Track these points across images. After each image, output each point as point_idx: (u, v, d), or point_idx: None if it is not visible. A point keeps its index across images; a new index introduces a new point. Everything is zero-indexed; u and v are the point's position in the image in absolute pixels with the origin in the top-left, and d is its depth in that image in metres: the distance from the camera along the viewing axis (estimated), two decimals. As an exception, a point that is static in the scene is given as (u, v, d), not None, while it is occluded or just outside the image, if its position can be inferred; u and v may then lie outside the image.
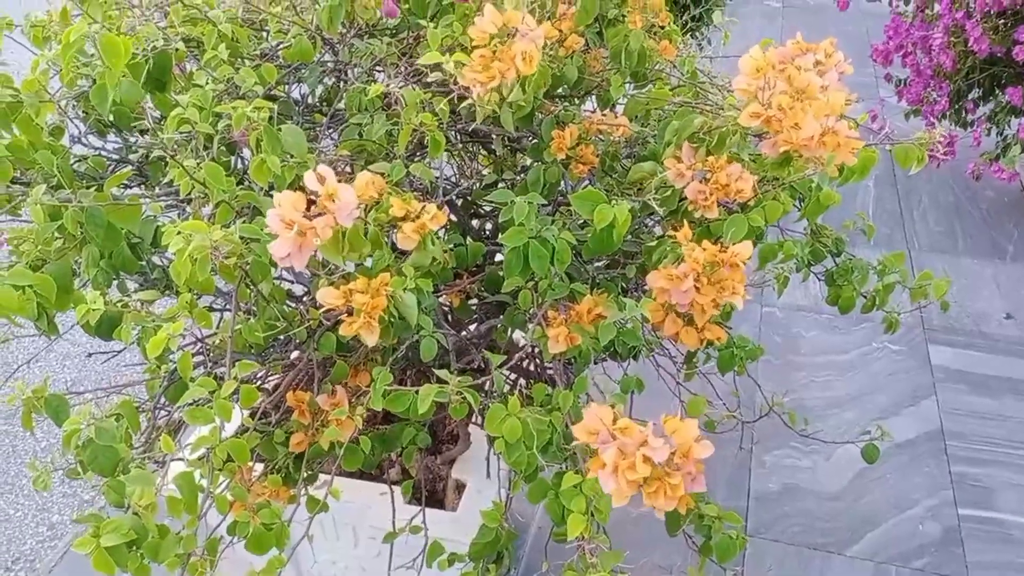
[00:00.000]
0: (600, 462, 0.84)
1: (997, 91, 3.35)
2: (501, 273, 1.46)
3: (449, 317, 1.36)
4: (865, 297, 1.61)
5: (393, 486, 1.48)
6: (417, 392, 0.96)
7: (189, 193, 1.02)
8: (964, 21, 3.05)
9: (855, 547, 2.17)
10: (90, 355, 1.42)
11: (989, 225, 3.50)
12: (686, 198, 1.17)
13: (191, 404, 0.93)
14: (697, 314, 1.04)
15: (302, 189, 1.20)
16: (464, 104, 1.03)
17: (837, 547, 2.17)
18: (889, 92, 3.75)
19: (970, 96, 3.44)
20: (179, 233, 0.91)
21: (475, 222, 1.67)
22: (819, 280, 1.60)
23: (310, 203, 0.85)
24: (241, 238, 0.94)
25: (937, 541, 2.19)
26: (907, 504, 2.29)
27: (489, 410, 0.95)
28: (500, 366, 1.03)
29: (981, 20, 2.98)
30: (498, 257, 1.51)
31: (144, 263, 1.29)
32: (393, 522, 1.28)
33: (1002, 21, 2.99)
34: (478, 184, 1.60)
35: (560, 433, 1.02)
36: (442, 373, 0.95)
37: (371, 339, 0.91)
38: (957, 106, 3.44)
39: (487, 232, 1.68)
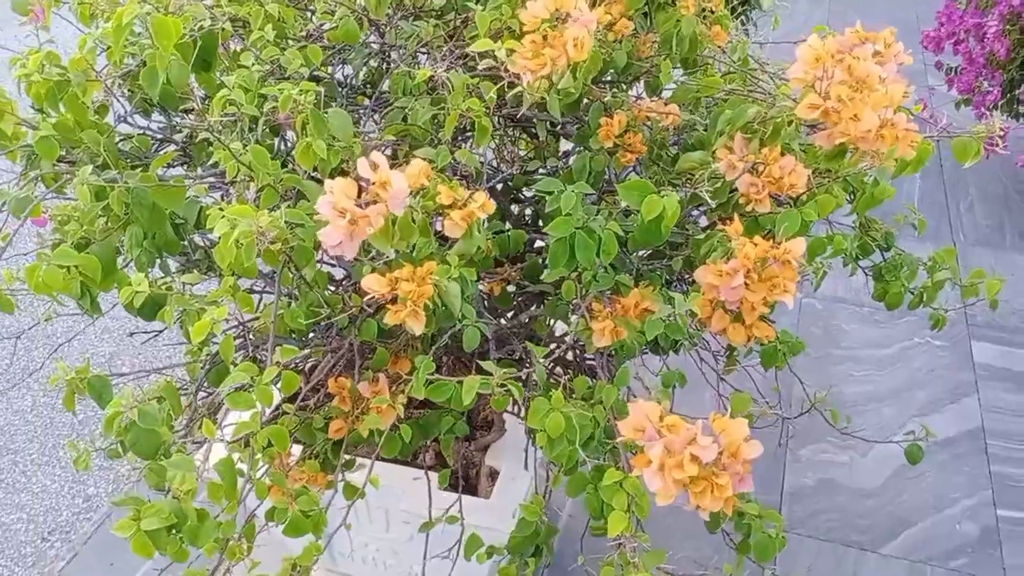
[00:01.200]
0: (646, 459, 0.83)
1: (1052, 82, 3.26)
2: (542, 262, 1.45)
3: (486, 304, 1.35)
4: (913, 293, 1.57)
5: (428, 471, 1.47)
6: (460, 383, 0.95)
7: (236, 176, 1.01)
8: (1021, 8, 2.96)
9: (890, 545, 2.14)
10: (131, 334, 1.43)
11: (1039, 220, 3.42)
12: (736, 190, 1.15)
13: (233, 389, 0.92)
14: (746, 311, 1.02)
15: (345, 173, 1.19)
16: (514, 91, 1.01)
17: (872, 545, 2.14)
18: (939, 80, 3.66)
19: (1022, 87, 3.35)
20: (224, 217, 0.90)
21: (514, 207, 1.65)
22: (866, 274, 1.56)
23: (359, 190, 0.84)
24: (286, 223, 0.93)
25: (975, 541, 2.15)
26: (945, 503, 2.25)
27: (532, 404, 0.94)
28: (543, 358, 1.02)
29: (1038, 8, 2.89)
30: (537, 243, 1.50)
31: (186, 244, 1.29)
32: (429, 511, 1.28)
33: (1061, 9, 2.90)
34: (519, 170, 1.58)
35: (602, 428, 1.00)
36: (487, 365, 0.94)
37: (417, 327, 0.90)
38: (1009, 96, 3.35)
39: (526, 218, 1.66)
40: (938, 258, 1.53)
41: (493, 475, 1.68)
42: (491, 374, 0.94)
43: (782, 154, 1.10)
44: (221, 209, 0.97)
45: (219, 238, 0.93)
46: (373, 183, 0.82)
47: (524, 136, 1.70)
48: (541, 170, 1.45)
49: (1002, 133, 1.31)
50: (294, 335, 1.09)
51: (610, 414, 1.01)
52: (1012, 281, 3.12)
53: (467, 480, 1.67)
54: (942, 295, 1.55)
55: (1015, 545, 2.13)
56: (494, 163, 1.64)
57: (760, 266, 0.99)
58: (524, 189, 1.62)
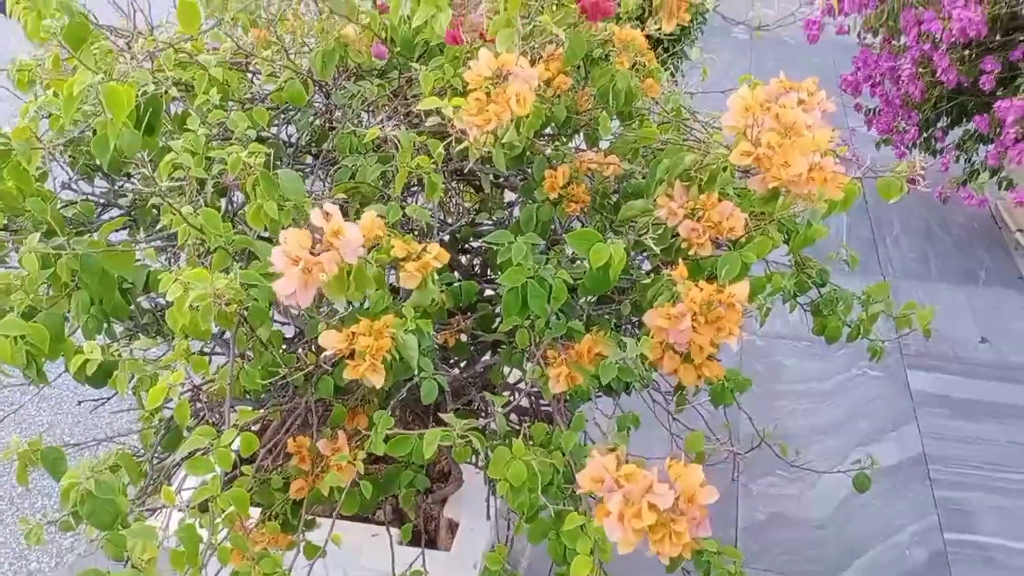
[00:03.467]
0: (605, 510, 0.84)
1: (965, 119, 3.43)
2: (494, 311, 1.48)
3: (440, 355, 1.36)
4: (850, 327, 1.63)
5: (388, 527, 1.46)
6: (420, 436, 0.95)
7: (187, 239, 1.01)
8: (931, 52, 3.13)
9: (843, 575, 2.18)
10: (80, 402, 1.40)
11: (961, 251, 3.57)
12: (678, 235, 1.19)
13: (190, 455, 0.91)
14: (695, 352, 1.05)
15: (296, 232, 1.20)
16: (461, 147, 1.04)
17: (826, 575, 2.17)
18: (858, 122, 3.82)
19: (939, 125, 3.52)
20: (177, 280, 0.90)
21: (463, 259, 1.68)
22: (804, 310, 1.62)
23: (314, 242, 0.85)
24: (241, 284, 0.94)
25: (924, 567, 2.20)
26: (893, 530, 2.30)
27: (494, 453, 0.95)
28: (503, 408, 1.03)
29: (948, 51, 3.06)
30: (487, 292, 1.52)
31: (134, 308, 1.28)
32: (393, 567, 1.27)
33: (968, 52, 3.07)
34: (466, 222, 1.61)
35: (560, 473, 1.02)
36: (447, 417, 0.95)
37: (377, 381, 0.91)
38: (927, 135, 3.52)
39: (475, 268, 1.69)
40: (871, 292, 1.59)
41: (452, 527, 1.67)
42: (450, 426, 0.95)
43: (719, 199, 1.15)
44: (171, 273, 0.97)
45: (172, 302, 0.93)
46: (326, 232, 0.83)
47: (468, 189, 1.74)
48: (487, 222, 1.48)
49: (922, 171, 1.38)
50: (249, 396, 1.09)
51: (569, 459, 1.03)
52: (940, 311, 3.24)
53: (426, 534, 1.66)
54: (877, 327, 1.61)
55: (963, 568, 2.19)
56: (440, 216, 1.67)
57: (706, 309, 1.03)
58: (471, 240, 1.64)
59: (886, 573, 2.18)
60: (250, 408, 0.97)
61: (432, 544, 1.64)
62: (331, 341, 0.91)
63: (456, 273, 1.64)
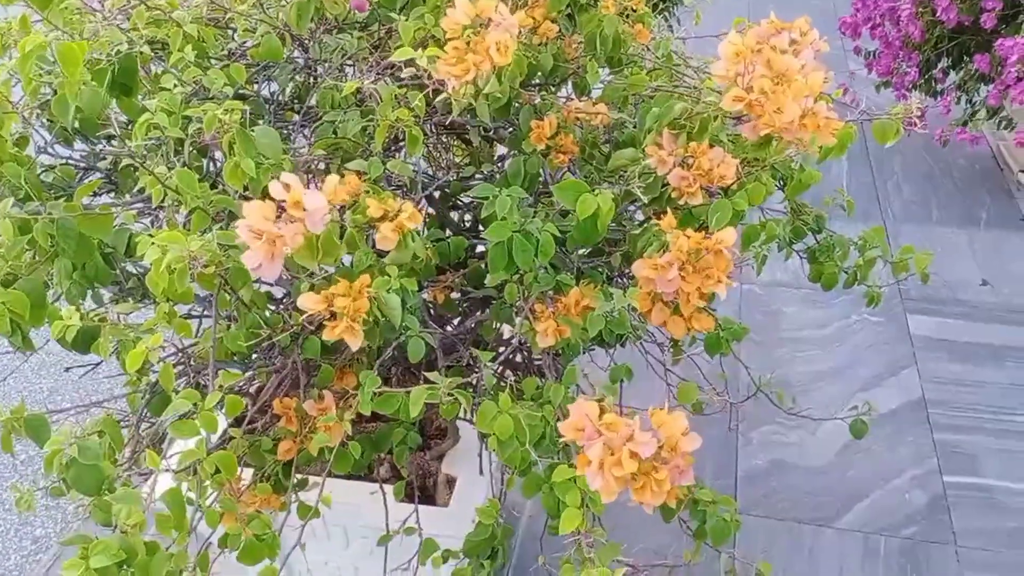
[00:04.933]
0: (586, 459, 0.84)
1: (966, 59, 3.37)
2: (484, 267, 1.46)
3: (431, 312, 1.35)
4: (847, 273, 1.61)
5: (384, 484, 1.47)
6: (407, 394, 0.94)
7: (162, 201, 0.99)
8: (931, -9, 3.06)
9: (844, 519, 2.19)
10: (68, 369, 1.39)
11: (962, 193, 3.53)
12: (668, 184, 1.16)
13: (176, 418, 0.90)
14: (683, 303, 1.04)
15: (277, 191, 1.18)
16: (440, 98, 1.01)
17: (826, 520, 2.18)
18: (858, 65, 3.76)
19: (939, 66, 3.46)
20: (154, 243, 0.89)
21: (454, 215, 1.66)
22: (801, 257, 1.60)
23: (282, 209, 0.83)
24: (219, 245, 0.92)
25: (924, 510, 2.21)
26: (893, 474, 2.31)
27: (480, 408, 0.94)
28: (490, 362, 1.02)
29: (948, -11, 2.99)
30: (479, 249, 1.50)
31: (117, 273, 1.26)
32: (387, 523, 1.27)
33: (969, -11, 3.00)
34: (455, 176, 1.58)
35: (552, 427, 1.01)
36: (432, 375, 0.94)
37: (355, 343, 0.89)
38: (927, 76, 3.46)
39: (467, 224, 1.67)
40: (867, 237, 1.57)
41: (451, 483, 1.67)
42: (436, 383, 0.94)
43: (710, 146, 1.12)
44: (151, 235, 0.95)
45: (151, 265, 0.92)
46: (286, 204, 0.81)
47: (458, 143, 1.71)
48: (477, 176, 1.45)
49: (920, 113, 1.35)
50: (236, 358, 1.07)
51: (559, 413, 1.02)
52: (941, 254, 3.21)
53: (424, 489, 1.66)
54: (875, 272, 1.59)
55: (963, 510, 2.20)
56: (430, 171, 1.64)
57: (694, 257, 1.01)
58: (462, 196, 1.62)
59: (887, 517, 2.19)
60: (236, 371, 0.96)
61: (431, 500, 1.64)
62: (309, 303, 0.89)
63: (447, 230, 1.62)
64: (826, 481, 2.29)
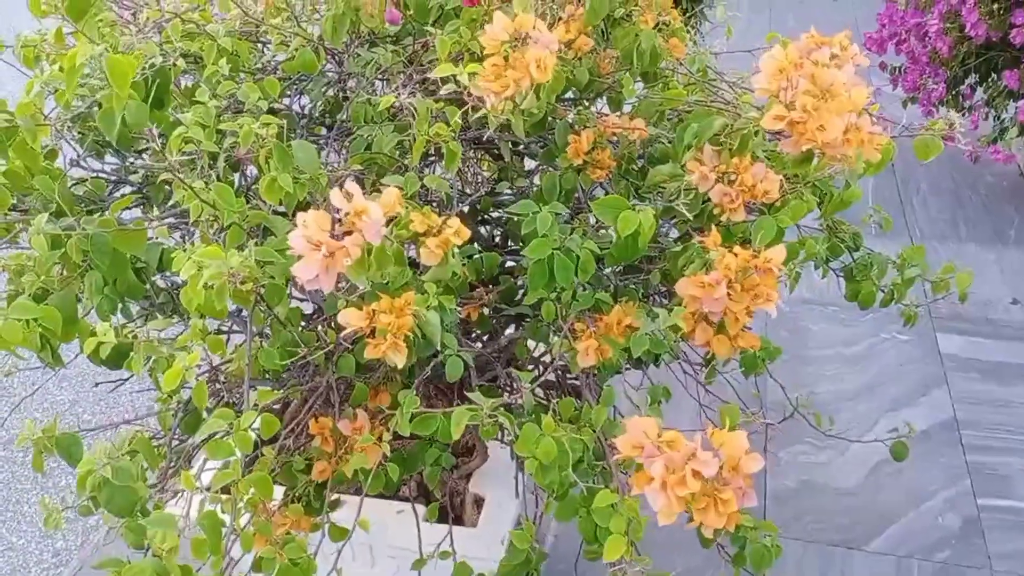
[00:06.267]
0: (647, 477, 0.81)
1: (994, 76, 3.33)
2: (516, 282, 1.44)
3: (464, 330, 1.32)
4: (884, 292, 1.58)
5: (412, 503, 1.44)
6: (446, 415, 0.92)
7: (199, 216, 0.98)
8: (960, 7, 3.03)
9: (875, 542, 2.14)
10: (97, 384, 1.38)
11: (989, 210, 3.48)
12: (709, 200, 1.14)
13: (209, 438, 0.89)
14: (730, 322, 1.01)
15: (310, 206, 1.17)
16: (478, 115, 0.99)
17: (857, 543, 2.14)
18: (884, 80, 3.73)
19: (967, 82, 3.43)
20: (191, 259, 0.87)
21: (482, 229, 1.64)
22: (837, 275, 1.57)
23: (332, 223, 0.81)
24: (256, 261, 0.90)
25: (957, 533, 2.16)
26: (925, 496, 2.26)
27: (523, 430, 0.92)
28: (531, 383, 1.00)
29: (977, 5, 2.96)
30: (508, 264, 1.48)
31: (148, 287, 1.25)
32: (420, 546, 1.24)
33: (997, 5, 2.97)
34: (486, 191, 1.56)
35: (591, 450, 0.98)
36: (474, 397, 0.91)
37: (399, 360, 0.87)
38: (954, 92, 3.42)
39: (495, 239, 1.65)
40: (907, 256, 1.54)
41: (478, 502, 1.65)
42: (476, 404, 0.91)
43: (752, 163, 1.10)
44: (185, 251, 0.94)
45: (187, 281, 0.90)
46: (348, 213, 0.79)
47: (487, 157, 1.69)
48: (508, 191, 1.43)
49: (962, 129, 1.33)
50: (268, 376, 1.06)
51: (599, 436, 0.99)
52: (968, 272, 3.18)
53: (451, 509, 1.64)
54: (912, 292, 1.56)
55: (998, 533, 2.15)
56: (459, 186, 1.63)
57: (742, 275, 0.98)
58: (491, 210, 1.60)
59: (919, 540, 2.14)
60: (269, 389, 0.94)
61: (458, 520, 1.61)
62: (351, 319, 0.87)
63: (476, 244, 1.60)
64: (856, 503, 2.24)
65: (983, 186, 3.63)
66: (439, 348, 0.96)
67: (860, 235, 1.55)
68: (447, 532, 1.33)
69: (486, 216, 1.61)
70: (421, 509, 1.56)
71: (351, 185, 0.80)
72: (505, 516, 1.57)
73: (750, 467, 0.80)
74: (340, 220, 0.80)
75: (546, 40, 1.06)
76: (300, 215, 0.81)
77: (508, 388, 1.29)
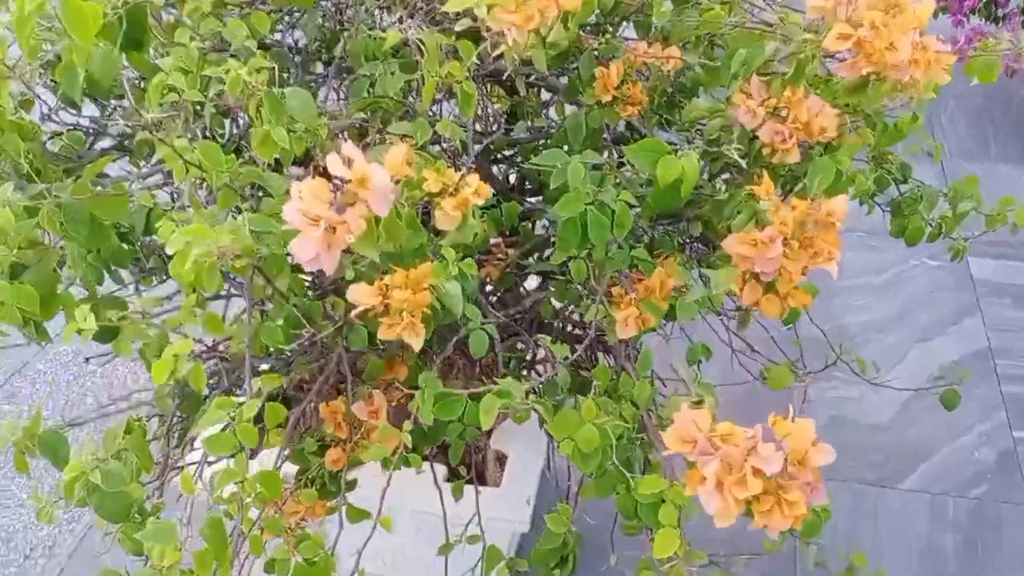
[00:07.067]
0: (700, 477, 0.71)
1: (1030, -20, 3.13)
2: (533, 227, 1.32)
3: (485, 291, 1.21)
4: (931, 226, 1.46)
5: (432, 464, 1.36)
6: (472, 397, 0.82)
7: (184, 178, 0.86)
8: (997, -96, 2.81)
9: (909, 480, 2.07)
10: (87, 360, 1.28)
11: (1022, 128, 3.32)
12: (756, 138, 1.02)
13: (208, 431, 0.79)
14: (783, 281, 0.90)
15: (311, 159, 1.04)
16: (497, 52, 0.86)
17: (890, 481, 2.07)
18: (910, -13, 3.51)
19: (1000, -13, 3.22)
20: (176, 231, 0.76)
21: (495, 168, 1.51)
22: (884, 210, 1.45)
23: (335, 187, 0.70)
24: (251, 231, 0.79)
25: (993, 467, 2.09)
26: (959, 431, 2.18)
27: (557, 416, 0.82)
28: (564, 359, 0.89)
29: (1016, -98, 2.75)
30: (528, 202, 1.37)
31: (137, 249, 1.14)
32: (443, 513, 1.17)
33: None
34: (499, 128, 1.43)
35: (633, 428, 0.89)
36: (503, 383, 0.81)
37: (416, 343, 0.77)
38: (986, 0, 3.22)
39: (510, 181, 1.52)
40: (959, 187, 1.42)
41: (500, 459, 1.57)
42: (504, 387, 0.81)
43: (807, 94, 0.97)
44: (172, 219, 0.83)
45: (174, 256, 0.79)
46: (349, 181, 0.67)
47: (497, 89, 1.55)
48: (526, 130, 1.30)
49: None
50: (272, 352, 0.96)
51: (642, 414, 0.89)
52: (1000, 193, 3.03)
53: (473, 467, 1.56)
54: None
55: (1036, 468, 2.08)
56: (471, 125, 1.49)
57: (799, 231, 0.87)
58: (504, 149, 1.47)
59: (954, 476, 2.07)
60: (273, 371, 0.84)
61: (480, 479, 1.54)
62: (361, 296, 0.77)
63: (491, 188, 1.48)
64: (888, 440, 2.17)
65: (1015, 103, 3.45)
66: (461, 321, 0.86)
67: (909, 166, 1.43)
68: (470, 494, 1.25)
69: (498, 154, 1.48)
70: (441, 469, 1.48)
71: (350, 148, 0.68)
72: (530, 475, 1.49)
73: (819, 459, 0.71)
74: (340, 187, 0.69)
75: (572, -39, 0.92)
76: (295, 182, 0.69)
77: (533, 353, 1.19)
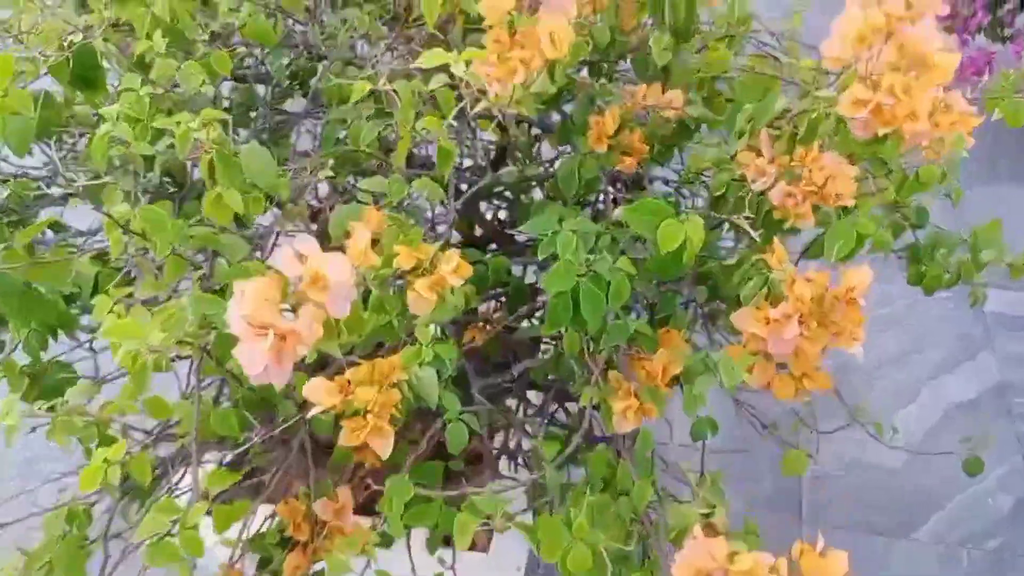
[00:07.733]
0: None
1: (1038, -1, 3.04)
2: (528, 281, 1.22)
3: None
4: (949, 273, 1.37)
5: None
6: (446, 501, 0.72)
7: (123, 252, 0.76)
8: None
9: (921, 529, 1.97)
10: (33, 429, 1.18)
11: (1032, 147, 3.23)
12: (764, 196, 0.92)
13: (149, 540, 0.69)
14: (800, 363, 0.80)
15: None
16: (478, 108, 0.77)
17: (901, 531, 1.97)
18: (915, 5, 3.42)
19: (1006, 7, 3.14)
20: (109, 321, 0.66)
21: (481, 204, 1.41)
22: (899, 258, 1.36)
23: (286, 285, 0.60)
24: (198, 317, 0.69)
25: (1009, 516, 1.98)
26: (975, 476, 2.07)
27: (543, 530, 0.72)
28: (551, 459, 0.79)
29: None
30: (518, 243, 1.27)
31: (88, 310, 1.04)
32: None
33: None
34: (486, 161, 1.34)
35: (630, 529, 0.79)
36: (481, 496, 0.71)
37: (385, 448, 0.67)
38: (993, 17, 3.14)
39: (498, 219, 1.43)
40: (980, 234, 1.33)
41: (488, 519, 1.46)
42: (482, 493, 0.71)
43: (820, 154, 0.87)
44: (108, 295, 0.73)
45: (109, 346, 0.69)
46: (302, 281, 0.58)
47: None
48: (515, 177, 1.20)
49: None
50: (224, 441, 0.86)
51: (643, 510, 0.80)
52: (1007, 216, 2.93)
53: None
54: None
55: (1054, 516, 1.97)
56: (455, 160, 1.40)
57: (817, 307, 0.77)
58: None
59: (968, 526, 1.96)
60: (224, 469, 0.74)
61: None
62: (321, 396, 0.67)
63: (477, 228, 1.39)
64: (899, 484, 2.06)
65: (1024, 120, 3.35)
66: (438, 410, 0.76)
67: (926, 211, 1.33)
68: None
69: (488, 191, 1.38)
70: (422, 532, 1.38)
71: (306, 242, 0.58)
72: (519, 540, 1.39)
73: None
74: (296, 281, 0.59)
75: (559, 2, 0.83)
76: (237, 286, 0.59)
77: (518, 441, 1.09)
